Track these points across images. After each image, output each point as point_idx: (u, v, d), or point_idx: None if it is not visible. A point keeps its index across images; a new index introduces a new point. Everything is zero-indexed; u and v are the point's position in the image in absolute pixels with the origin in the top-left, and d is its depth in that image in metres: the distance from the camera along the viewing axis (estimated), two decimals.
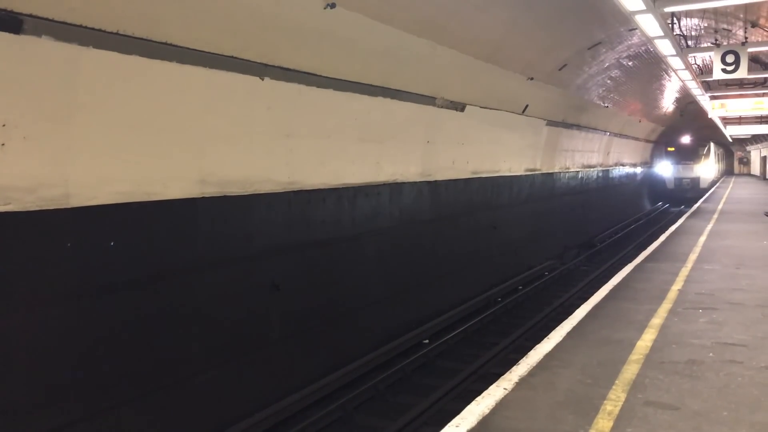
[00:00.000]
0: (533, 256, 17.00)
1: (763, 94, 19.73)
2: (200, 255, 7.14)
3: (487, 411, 4.62)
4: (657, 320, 7.15)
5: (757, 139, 50.11)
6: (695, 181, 37.83)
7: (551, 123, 17.63)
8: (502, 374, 5.47)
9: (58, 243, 5.64)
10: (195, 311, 7.11)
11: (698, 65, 18.28)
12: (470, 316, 11.68)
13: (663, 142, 38.38)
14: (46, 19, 5.02)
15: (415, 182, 11.58)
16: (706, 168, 38.23)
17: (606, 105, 20.85)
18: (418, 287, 11.62)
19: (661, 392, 4.95)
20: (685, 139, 37.69)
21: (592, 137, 22.94)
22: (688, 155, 37.91)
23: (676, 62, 12.98)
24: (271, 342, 8.14)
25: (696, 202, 26.81)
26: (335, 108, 8.83)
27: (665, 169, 38.58)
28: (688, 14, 13.98)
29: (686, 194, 36.90)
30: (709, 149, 38.21)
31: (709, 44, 16.86)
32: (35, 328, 5.50)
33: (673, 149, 38.18)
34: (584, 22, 12.36)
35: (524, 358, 5.87)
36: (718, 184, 43.45)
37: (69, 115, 5.49)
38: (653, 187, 38.73)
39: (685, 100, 26.78)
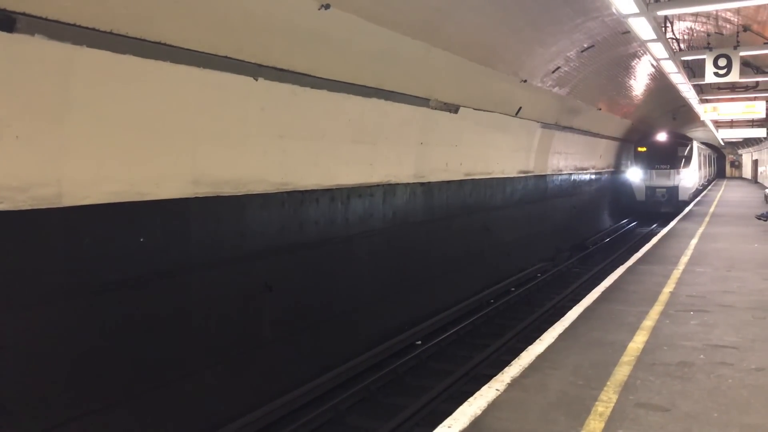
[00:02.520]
0: (526, 258, 17.04)
1: (755, 98, 19.90)
2: (193, 255, 7.12)
3: (479, 412, 4.64)
4: (648, 322, 7.19)
5: (748, 142, 50.49)
6: (673, 191, 28.70)
7: (545, 125, 17.69)
8: (495, 375, 5.49)
9: (50, 242, 5.61)
10: (187, 312, 7.10)
11: (689, 66, 18.36)
12: (463, 317, 11.69)
13: (633, 140, 30.24)
14: (40, 18, 4.99)
15: (409, 183, 11.59)
16: (688, 174, 29.16)
17: (599, 108, 20.92)
18: (410, 288, 11.63)
19: (652, 394, 4.98)
20: (661, 137, 29.26)
21: (584, 140, 23.02)
22: (663, 157, 28.93)
23: (668, 65, 13.06)
24: (263, 343, 8.13)
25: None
26: (329, 109, 8.83)
27: (634, 175, 29.66)
28: (681, 18, 14.07)
29: (661, 208, 28.80)
30: (691, 149, 29.23)
31: (701, 48, 16.98)
32: (27, 327, 5.48)
33: (644, 149, 29.30)
34: (578, 25, 12.41)
35: (516, 359, 5.89)
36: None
37: (62, 114, 5.47)
38: (618, 198, 30.49)
39: (678, 103, 26.82)
